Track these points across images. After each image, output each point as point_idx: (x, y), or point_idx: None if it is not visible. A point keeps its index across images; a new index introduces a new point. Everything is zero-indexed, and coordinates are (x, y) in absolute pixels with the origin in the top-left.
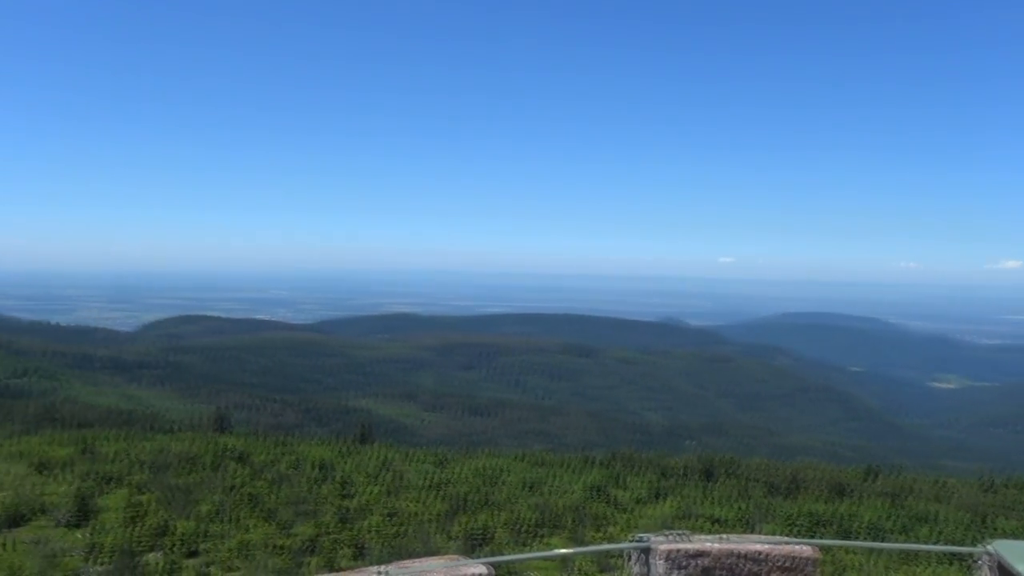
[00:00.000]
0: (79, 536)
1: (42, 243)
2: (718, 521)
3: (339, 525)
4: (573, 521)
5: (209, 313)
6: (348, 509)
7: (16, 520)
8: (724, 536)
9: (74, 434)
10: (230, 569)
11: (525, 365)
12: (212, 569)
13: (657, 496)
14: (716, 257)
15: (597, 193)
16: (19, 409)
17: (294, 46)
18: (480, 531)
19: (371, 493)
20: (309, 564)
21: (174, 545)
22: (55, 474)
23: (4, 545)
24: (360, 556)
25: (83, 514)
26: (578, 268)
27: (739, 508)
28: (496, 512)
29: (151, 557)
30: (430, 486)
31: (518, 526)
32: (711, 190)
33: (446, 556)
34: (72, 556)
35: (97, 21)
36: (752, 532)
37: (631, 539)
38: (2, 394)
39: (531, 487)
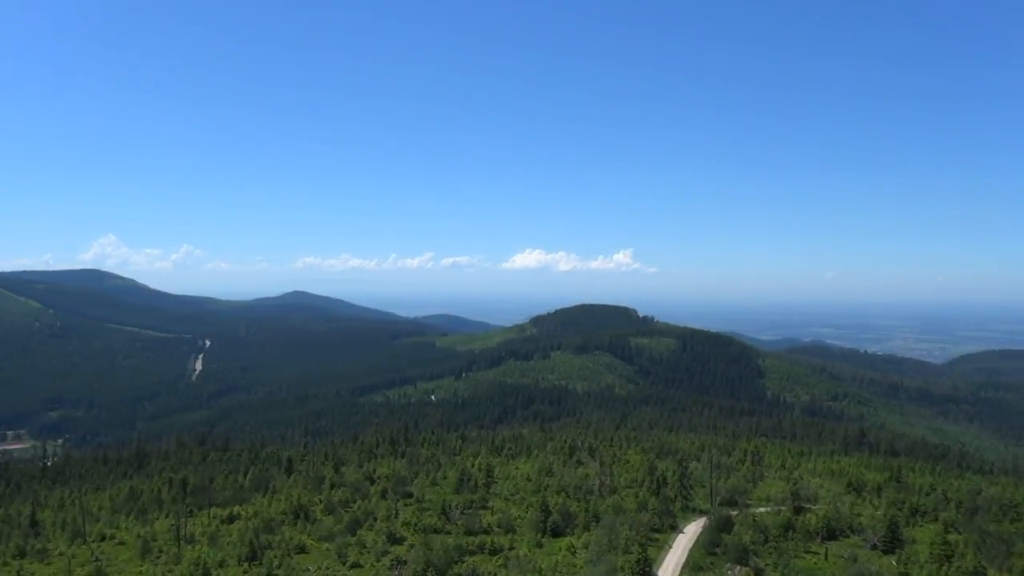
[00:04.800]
0: (892, 563)
1: (858, 275)
2: None
3: None
4: None
5: None
6: None
7: (832, 534)
8: None
9: (884, 460)
10: None
11: None
12: None
13: None
14: None
15: None
16: (836, 431)
17: None
18: None
19: None
20: None
21: None
22: (866, 496)
23: (825, 555)
24: None
25: (893, 541)
26: None
27: None
28: None
29: None
30: None
31: None
32: None
33: None
34: None
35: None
36: None
37: None
38: (822, 415)
39: None
